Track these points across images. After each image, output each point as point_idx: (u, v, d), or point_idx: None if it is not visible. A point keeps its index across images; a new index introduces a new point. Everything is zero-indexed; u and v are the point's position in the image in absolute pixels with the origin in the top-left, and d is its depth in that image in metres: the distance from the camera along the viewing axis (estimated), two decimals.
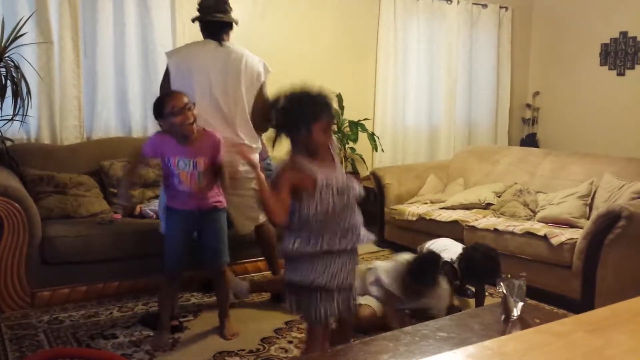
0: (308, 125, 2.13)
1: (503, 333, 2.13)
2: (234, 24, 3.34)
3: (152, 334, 3.03)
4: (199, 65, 3.20)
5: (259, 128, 3.38)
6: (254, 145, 3.36)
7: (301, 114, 2.14)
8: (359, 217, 2.29)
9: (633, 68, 5.68)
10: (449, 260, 3.26)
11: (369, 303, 3.18)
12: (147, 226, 3.63)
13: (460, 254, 3.26)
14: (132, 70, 4.41)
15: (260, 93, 3.36)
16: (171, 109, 2.75)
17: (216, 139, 2.91)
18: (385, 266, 3.24)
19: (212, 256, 3.03)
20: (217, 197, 2.99)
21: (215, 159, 2.89)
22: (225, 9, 3.27)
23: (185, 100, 2.80)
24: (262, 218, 3.44)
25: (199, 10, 3.29)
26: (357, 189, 2.28)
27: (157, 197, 4.00)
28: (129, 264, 3.60)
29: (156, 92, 4.41)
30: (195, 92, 3.11)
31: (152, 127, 4.53)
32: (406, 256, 3.22)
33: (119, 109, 4.43)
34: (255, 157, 2.97)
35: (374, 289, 3.19)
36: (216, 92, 3.20)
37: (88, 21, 4.22)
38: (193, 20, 3.33)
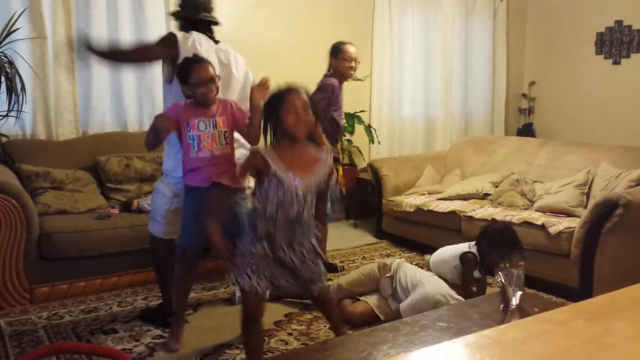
0: (276, 113, 2.35)
1: (502, 322, 2.13)
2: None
3: (153, 329, 3.04)
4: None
5: None
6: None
7: (269, 103, 2.42)
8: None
9: (629, 57, 5.68)
10: (468, 250, 3.23)
11: (366, 300, 3.19)
12: (144, 221, 3.62)
13: (477, 235, 3.24)
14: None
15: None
16: (197, 79, 2.71)
17: (231, 101, 2.89)
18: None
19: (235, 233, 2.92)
20: (236, 179, 2.80)
21: (234, 121, 2.84)
22: (212, 8, 3.23)
23: (212, 72, 2.76)
24: None
25: (182, 6, 3.18)
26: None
27: None
28: (127, 259, 3.60)
29: (151, 87, 4.44)
30: None
31: (148, 121, 4.52)
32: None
33: (114, 103, 4.41)
34: (244, 153, 2.97)
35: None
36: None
37: (81, 16, 4.20)
38: (174, 15, 3.21)
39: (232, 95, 3.18)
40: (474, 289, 3.20)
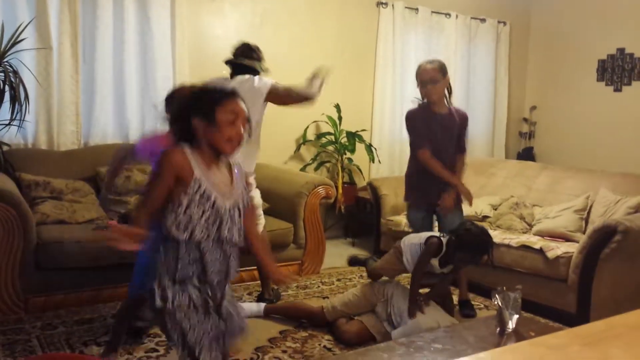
0: (210, 113, 1.86)
1: (498, 345, 2.12)
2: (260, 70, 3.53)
3: (146, 342, 3.02)
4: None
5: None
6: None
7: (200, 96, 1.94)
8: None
9: (630, 84, 5.72)
10: (438, 235, 3.14)
11: (361, 319, 3.17)
12: None
13: (454, 230, 3.13)
14: (130, 77, 4.41)
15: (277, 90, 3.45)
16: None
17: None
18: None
19: None
20: None
21: None
22: (251, 55, 3.53)
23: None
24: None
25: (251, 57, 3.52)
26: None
27: None
28: (124, 271, 3.57)
29: (154, 99, 4.46)
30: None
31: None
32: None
33: (117, 115, 4.42)
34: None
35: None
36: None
37: (87, 27, 4.23)
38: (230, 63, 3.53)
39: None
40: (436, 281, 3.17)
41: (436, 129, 3.52)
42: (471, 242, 3.03)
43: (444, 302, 3.28)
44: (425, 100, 3.55)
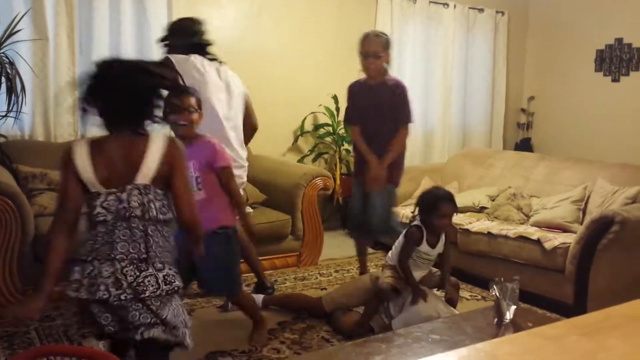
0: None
1: (496, 336, 2.13)
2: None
3: None
4: (213, 81, 3.27)
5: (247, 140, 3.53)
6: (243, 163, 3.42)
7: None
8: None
9: (628, 75, 5.71)
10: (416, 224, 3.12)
11: (360, 311, 3.17)
12: None
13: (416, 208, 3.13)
14: None
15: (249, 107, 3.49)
16: (171, 105, 2.63)
17: (212, 144, 2.75)
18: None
19: (210, 286, 2.92)
20: (216, 214, 2.74)
21: (212, 166, 2.73)
22: (205, 30, 3.41)
23: (191, 102, 2.69)
24: None
25: (178, 32, 3.35)
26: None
27: None
28: None
29: None
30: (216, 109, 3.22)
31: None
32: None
33: None
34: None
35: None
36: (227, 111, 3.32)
37: (84, 18, 4.21)
38: (166, 43, 3.36)
39: (234, 113, 3.24)
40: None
41: (368, 103, 3.54)
42: (431, 193, 3.09)
43: (453, 293, 3.25)
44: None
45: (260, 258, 3.81)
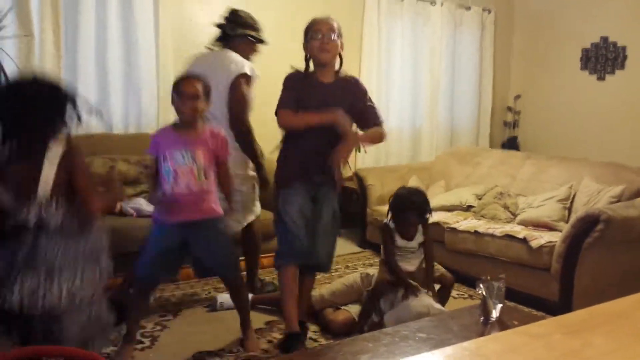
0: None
1: (482, 334, 2.14)
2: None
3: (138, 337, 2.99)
4: None
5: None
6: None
7: None
8: None
9: (613, 73, 5.75)
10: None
11: (348, 309, 3.18)
12: (126, 224, 3.59)
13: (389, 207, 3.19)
14: (113, 65, 4.35)
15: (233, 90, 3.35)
16: (179, 90, 2.65)
17: (221, 135, 2.76)
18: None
19: (220, 271, 2.91)
20: (213, 204, 2.77)
21: (219, 157, 2.74)
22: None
23: (197, 88, 2.65)
24: (250, 218, 3.48)
25: (238, 23, 3.64)
26: None
27: (137, 194, 3.97)
28: (117, 260, 3.54)
29: (137, 88, 4.42)
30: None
31: (134, 123, 4.49)
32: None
33: (100, 104, 4.35)
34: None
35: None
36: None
37: (69, 15, 4.17)
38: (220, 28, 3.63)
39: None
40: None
41: (315, 103, 2.79)
42: (398, 198, 3.13)
43: (446, 291, 3.29)
44: (309, 62, 2.88)
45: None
